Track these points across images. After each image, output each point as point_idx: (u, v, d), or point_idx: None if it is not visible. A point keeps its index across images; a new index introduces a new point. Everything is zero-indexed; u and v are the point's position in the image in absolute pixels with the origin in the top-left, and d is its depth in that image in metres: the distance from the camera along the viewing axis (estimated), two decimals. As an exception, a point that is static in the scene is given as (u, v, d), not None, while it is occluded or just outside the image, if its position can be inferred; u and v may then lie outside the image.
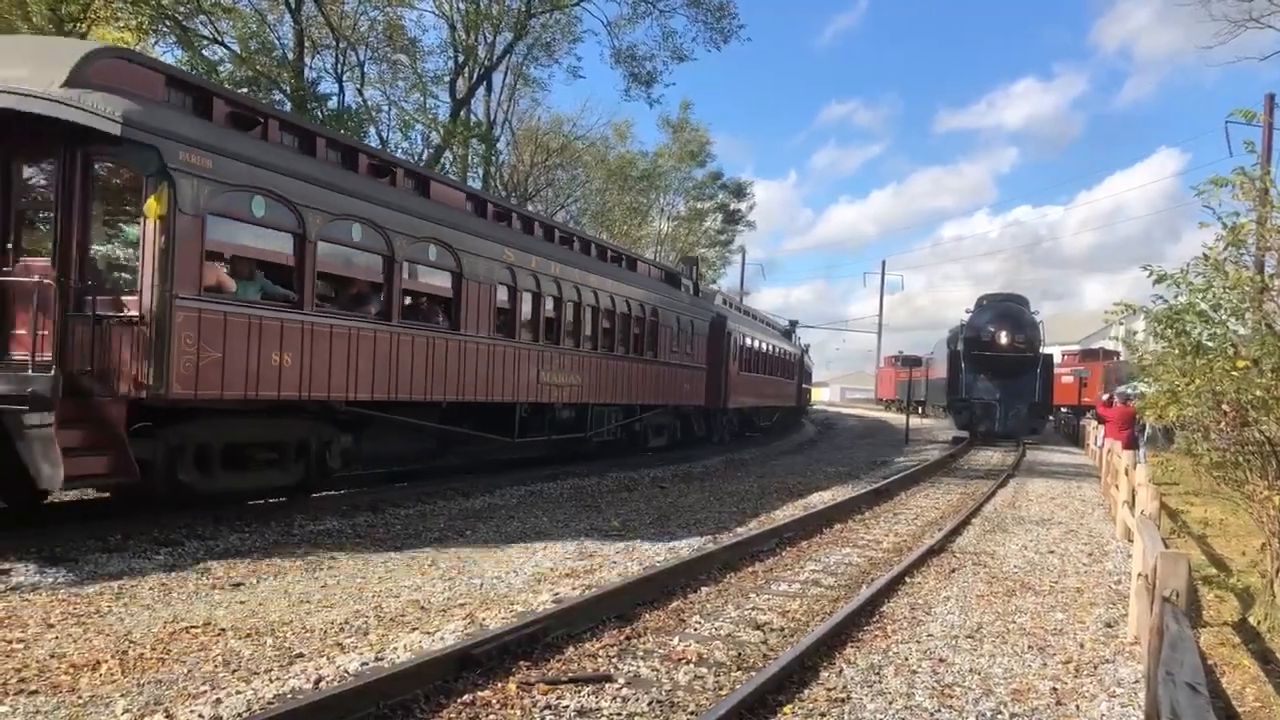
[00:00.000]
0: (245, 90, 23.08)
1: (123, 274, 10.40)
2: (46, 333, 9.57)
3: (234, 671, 6.24)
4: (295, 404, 12.24)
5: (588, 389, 19.47)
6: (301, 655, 6.63)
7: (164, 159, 9.80)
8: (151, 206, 9.83)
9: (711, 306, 28.79)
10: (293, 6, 24.18)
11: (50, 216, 10.13)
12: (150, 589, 8.50)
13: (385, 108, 27.07)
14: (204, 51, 22.91)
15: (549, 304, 17.98)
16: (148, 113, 9.76)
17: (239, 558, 10.08)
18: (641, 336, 22.17)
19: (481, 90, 30.22)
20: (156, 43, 23.69)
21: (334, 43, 25.50)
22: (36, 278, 9.64)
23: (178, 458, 11.01)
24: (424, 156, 26.73)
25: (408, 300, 14.25)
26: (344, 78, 25.86)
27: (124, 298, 10.00)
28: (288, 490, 13.04)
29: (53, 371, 9.26)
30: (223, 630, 7.20)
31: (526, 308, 17.12)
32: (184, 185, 10.01)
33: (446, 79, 28.15)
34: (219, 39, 23.42)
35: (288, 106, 23.73)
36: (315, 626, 7.39)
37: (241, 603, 8.14)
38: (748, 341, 31.42)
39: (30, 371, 9.34)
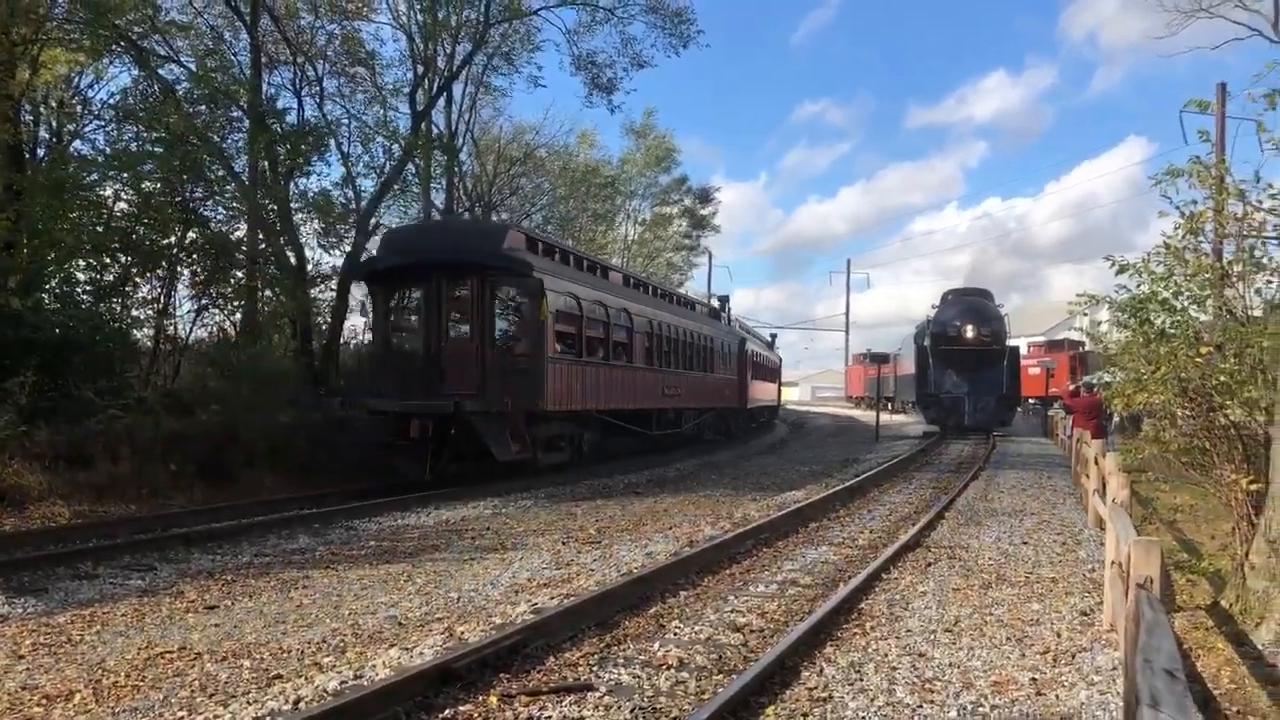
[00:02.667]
0: (203, 107, 22.90)
1: (520, 341, 18.49)
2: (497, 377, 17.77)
3: (211, 696, 6.18)
4: (577, 413, 20.05)
5: (683, 398, 27.27)
6: (280, 676, 6.57)
7: (545, 285, 17.91)
8: (544, 308, 17.74)
9: (737, 331, 36.35)
10: (248, 22, 23.99)
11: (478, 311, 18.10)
12: (123, 615, 8.40)
13: (345, 121, 26.87)
14: (160, 70, 22.70)
15: (663, 342, 25.34)
16: (538, 262, 18.39)
17: (212, 579, 9.99)
18: (705, 358, 29.65)
19: (442, 101, 30.06)
20: (111, 63, 23.46)
21: (291, 57, 25.32)
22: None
23: (539, 444, 18.79)
24: (386, 169, 26.60)
25: (615, 347, 21.97)
26: (302, 93, 25.66)
27: (518, 355, 18.19)
28: (567, 465, 20.29)
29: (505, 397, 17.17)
30: (198, 654, 7.13)
31: (655, 345, 24.65)
32: (550, 297, 18.01)
33: (406, 91, 28.00)
34: (175, 58, 23.19)
35: (246, 123, 23.58)
36: (292, 647, 7.32)
37: (216, 625, 8.05)
38: (754, 357, 38.61)
39: (498, 396, 17.25)
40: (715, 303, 35.83)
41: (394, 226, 26.40)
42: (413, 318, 19.60)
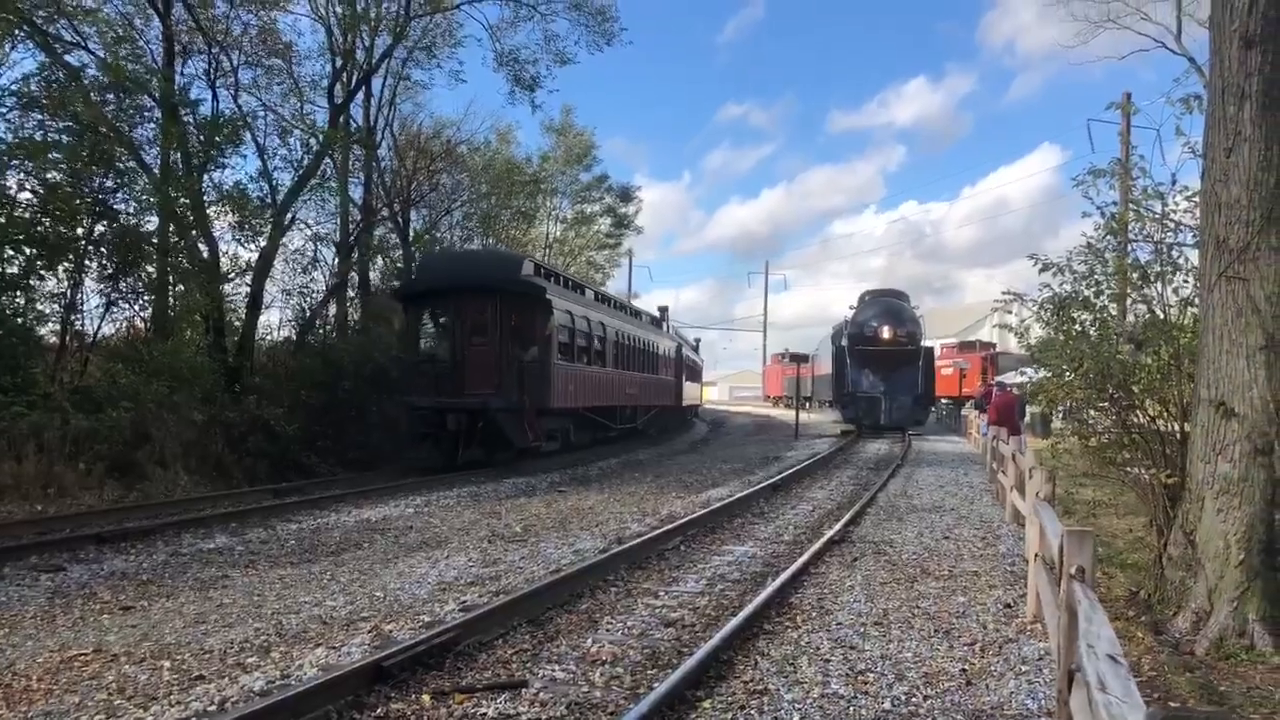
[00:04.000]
0: (112, 95, 22.14)
1: (532, 348, 21.66)
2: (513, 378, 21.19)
3: (130, 698, 5.96)
4: (569, 410, 23.65)
5: (637, 397, 30.86)
6: (202, 677, 6.36)
7: (552, 305, 21.69)
8: (551, 323, 21.70)
9: (674, 337, 40.09)
10: (160, 10, 23.28)
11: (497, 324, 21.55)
12: (33, 618, 8.09)
13: (261, 114, 26.23)
14: (67, 57, 21.91)
15: (623, 349, 28.70)
16: (548, 286, 22.25)
17: (127, 580, 9.68)
18: (652, 362, 33.04)
19: (361, 95, 29.56)
20: (13, 47, 22.58)
21: (205, 47, 24.64)
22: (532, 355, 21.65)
23: (542, 435, 22.03)
24: (304, 162, 26.05)
25: (594, 352, 25.46)
26: (217, 83, 24.96)
27: (530, 362, 21.52)
28: (554, 452, 23.49)
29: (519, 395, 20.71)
30: (115, 656, 6.87)
31: (619, 352, 27.95)
32: (556, 314, 22.00)
33: (324, 84, 27.43)
34: (83, 43, 22.40)
35: (157, 114, 22.89)
36: (214, 647, 7.10)
37: (133, 626, 7.78)
38: (687, 361, 42.28)
39: (514, 395, 20.77)
40: (657, 312, 39.61)
41: (428, 254, 30.51)
42: (442, 331, 23.06)
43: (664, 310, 41.61)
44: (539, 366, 21.50)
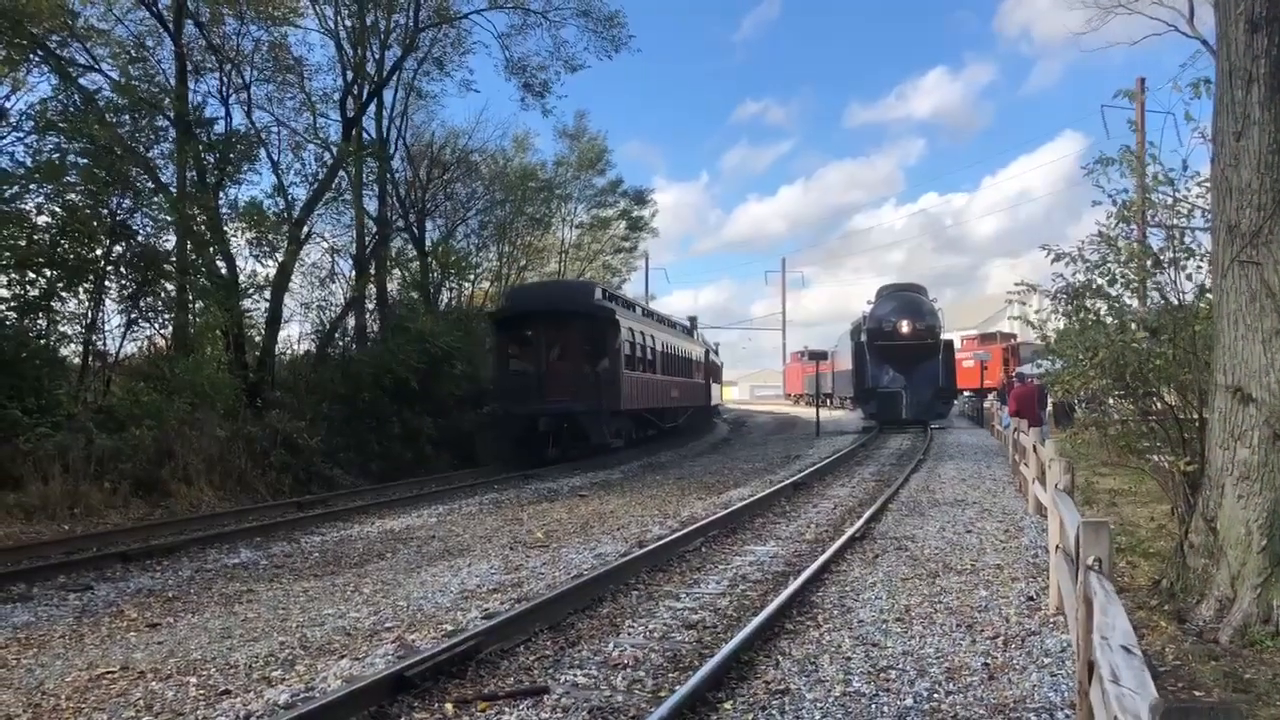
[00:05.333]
0: (130, 115, 22.32)
1: (603, 361, 25.59)
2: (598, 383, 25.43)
3: (158, 715, 6.03)
4: (633, 411, 27.92)
5: (679, 399, 35.00)
6: (228, 692, 6.42)
7: (620, 324, 25.47)
8: (619, 339, 25.18)
9: (703, 343, 44.67)
10: (172, 30, 23.48)
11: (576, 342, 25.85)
12: (61, 637, 8.18)
13: (275, 129, 26.41)
14: (81, 80, 22.12)
15: (667, 357, 32.51)
16: (616, 309, 26.29)
17: (153, 597, 9.77)
18: (686, 366, 36.97)
19: (373, 107, 29.70)
20: (29, 72, 22.80)
21: (217, 65, 24.83)
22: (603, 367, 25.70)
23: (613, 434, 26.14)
24: (319, 176, 26.23)
25: (647, 361, 29.47)
26: (230, 100, 25.17)
27: (604, 372, 25.42)
28: (620, 448, 27.45)
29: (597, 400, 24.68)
30: (142, 673, 6.95)
31: (662, 358, 31.67)
32: (622, 332, 25.62)
33: (336, 98, 27.60)
34: (96, 66, 22.63)
35: (171, 133, 23.08)
36: (239, 662, 7.17)
37: (160, 643, 7.86)
38: (714, 362, 48.06)
39: (593, 401, 24.53)
40: (688, 322, 43.48)
41: (515, 286, 35.81)
42: (529, 349, 26.17)
43: (693, 320, 45.74)
44: (611, 376, 25.45)
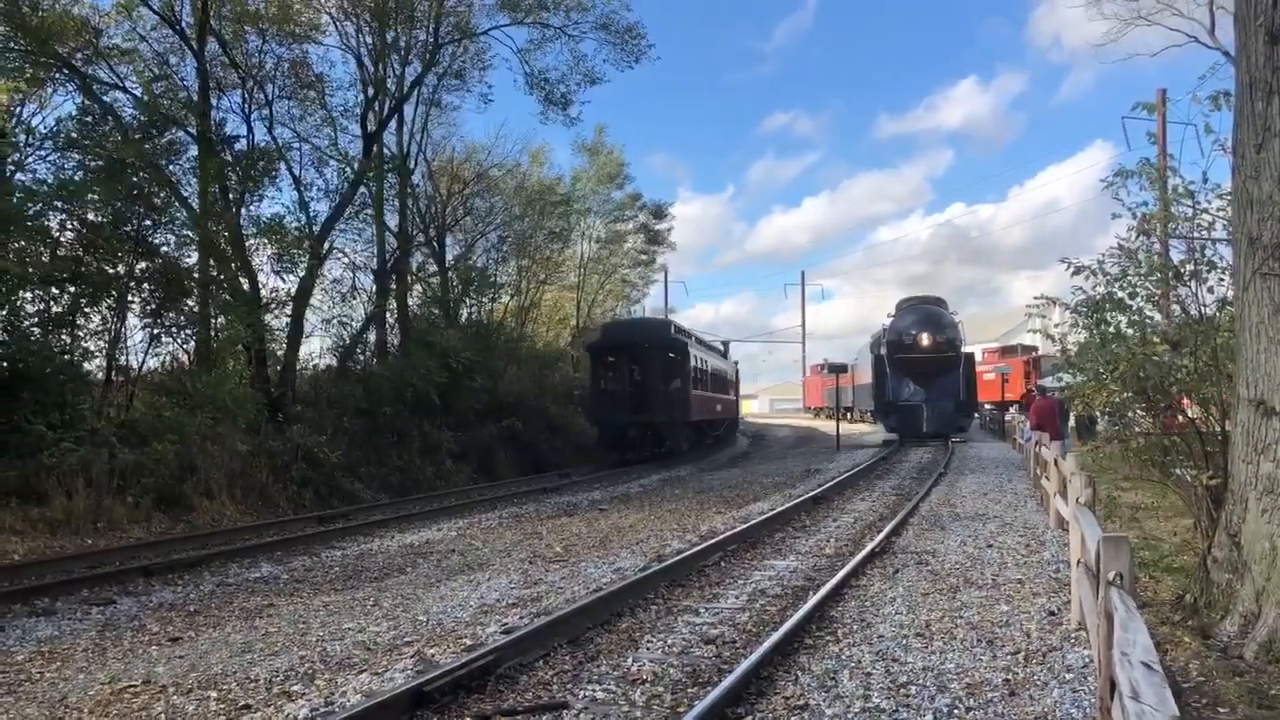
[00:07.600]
0: (152, 131, 22.59)
1: (675, 382, 32.02)
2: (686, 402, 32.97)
3: (178, 729, 6.05)
4: (693, 423, 33.94)
5: (718, 412, 40.20)
6: (248, 707, 6.45)
7: (689, 352, 33.00)
8: (688, 364, 32.59)
9: (732, 362, 49.22)
10: (195, 48, 23.73)
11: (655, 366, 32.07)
12: (84, 650, 8.23)
13: (296, 145, 26.62)
14: (104, 97, 22.37)
15: (711, 375, 37.59)
16: (687, 340, 33.83)
17: (175, 611, 9.83)
18: (723, 383, 42.04)
19: (394, 123, 29.89)
20: (54, 90, 23.09)
21: (240, 81, 25.07)
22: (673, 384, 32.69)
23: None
24: (340, 191, 26.42)
25: (702, 381, 35.11)
26: (252, 116, 25.39)
27: (675, 390, 32.21)
28: (686, 452, 34.25)
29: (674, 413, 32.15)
30: (164, 687, 6.98)
31: (710, 378, 37.22)
32: (691, 358, 33.27)
33: (357, 113, 27.82)
34: (120, 84, 22.90)
35: (193, 150, 23.35)
36: (260, 676, 7.20)
37: (181, 657, 7.90)
38: (738, 381, 51.72)
39: (671, 413, 31.79)
40: (721, 345, 48.93)
41: (608, 323, 42.29)
42: (618, 373, 32.35)
43: (726, 344, 52.09)
44: (682, 394, 31.84)
